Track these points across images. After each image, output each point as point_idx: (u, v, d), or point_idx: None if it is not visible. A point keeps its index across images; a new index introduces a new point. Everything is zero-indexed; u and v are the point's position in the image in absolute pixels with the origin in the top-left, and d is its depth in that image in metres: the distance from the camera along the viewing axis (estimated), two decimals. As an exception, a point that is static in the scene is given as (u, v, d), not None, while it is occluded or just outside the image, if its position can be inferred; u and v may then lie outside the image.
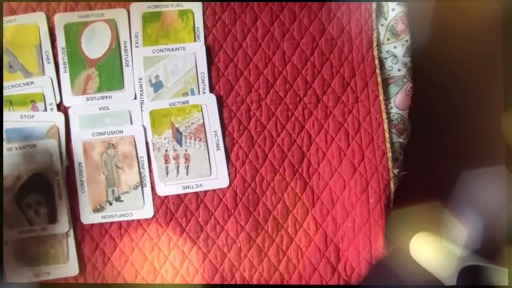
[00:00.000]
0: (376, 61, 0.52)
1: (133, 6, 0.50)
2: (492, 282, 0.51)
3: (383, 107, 0.51)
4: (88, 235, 0.49)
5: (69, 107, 0.49)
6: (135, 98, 0.50)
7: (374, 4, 0.52)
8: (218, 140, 0.50)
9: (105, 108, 0.49)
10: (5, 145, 0.45)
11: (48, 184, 0.46)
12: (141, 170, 0.49)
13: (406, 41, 0.52)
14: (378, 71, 0.52)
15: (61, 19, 0.50)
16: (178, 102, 0.49)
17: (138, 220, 0.49)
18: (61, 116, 0.48)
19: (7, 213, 0.44)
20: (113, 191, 0.49)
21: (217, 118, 0.50)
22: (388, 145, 0.51)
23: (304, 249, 0.51)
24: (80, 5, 0.50)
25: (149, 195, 0.49)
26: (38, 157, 0.42)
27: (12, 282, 0.47)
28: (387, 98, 0.52)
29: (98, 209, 0.49)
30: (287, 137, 0.51)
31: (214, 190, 0.50)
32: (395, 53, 0.52)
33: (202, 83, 0.50)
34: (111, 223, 0.49)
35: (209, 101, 0.50)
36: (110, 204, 0.49)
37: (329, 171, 0.51)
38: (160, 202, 0.49)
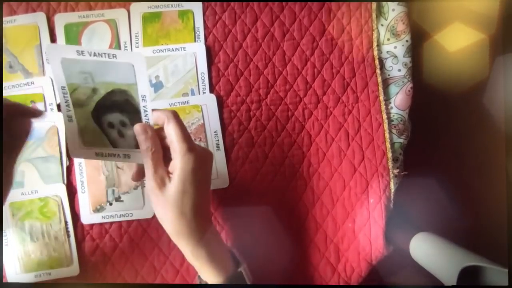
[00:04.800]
0: (376, 61, 0.52)
1: (133, 6, 0.50)
2: (492, 282, 0.51)
3: (383, 107, 0.51)
4: (88, 235, 0.49)
5: (69, 107, 0.49)
6: (135, 98, 0.50)
7: (374, 4, 0.52)
8: (218, 140, 0.50)
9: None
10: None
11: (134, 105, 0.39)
12: (141, 170, 0.49)
13: (406, 41, 0.52)
14: (378, 71, 0.52)
15: (61, 19, 0.50)
16: (178, 102, 0.49)
17: (138, 220, 0.49)
18: (61, 116, 0.48)
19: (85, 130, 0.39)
20: (113, 191, 0.49)
21: (217, 118, 0.50)
22: (388, 145, 0.51)
23: (304, 249, 0.51)
24: (80, 5, 0.50)
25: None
26: (118, 69, 0.37)
27: (12, 282, 0.47)
28: (387, 98, 0.52)
29: (98, 209, 0.49)
30: (287, 137, 0.51)
31: (214, 190, 0.50)
32: (395, 53, 0.52)
33: (202, 83, 0.50)
34: (111, 223, 0.49)
35: (209, 101, 0.50)
36: (110, 204, 0.49)
37: (329, 171, 0.51)
38: (160, 202, 0.49)
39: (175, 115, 0.37)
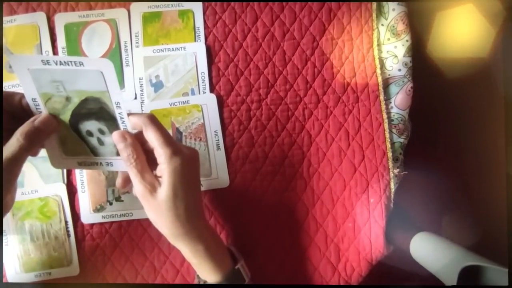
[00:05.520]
0: (377, 61, 0.52)
1: (134, 6, 0.50)
2: (492, 282, 0.51)
3: (383, 107, 0.51)
4: (88, 235, 0.49)
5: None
6: (136, 98, 0.50)
7: (374, 4, 0.52)
8: (218, 140, 0.50)
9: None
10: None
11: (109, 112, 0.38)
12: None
13: (407, 41, 0.52)
14: (378, 71, 0.52)
15: (61, 19, 0.50)
16: (179, 102, 0.49)
17: (138, 220, 0.49)
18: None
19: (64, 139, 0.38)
20: (113, 191, 0.49)
21: (217, 118, 0.50)
22: (388, 145, 0.51)
23: (304, 249, 0.51)
24: (81, 5, 0.50)
25: (149, 195, 0.49)
26: (88, 76, 0.35)
27: (12, 282, 0.47)
28: (387, 98, 0.52)
29: (98, 209, 0.49)
30: (287, 137, 0.51)
31: (214, 190, 0.50)
32: (395, 53, 0.52)
33: (203, 83, 0.50)
34: (111, 223, 0.49)
35: (210, 101, 0.50)
36: (111, 204, 0.49)
37: (329, 171, 0.51)
38: (160, 202, 0.49)
39: (152, 119, 0.36)
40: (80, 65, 0.34)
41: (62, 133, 0.38)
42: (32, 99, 0.36)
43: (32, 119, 0.36)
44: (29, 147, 0.35)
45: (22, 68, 0.34)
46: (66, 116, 0.37)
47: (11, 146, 0.34)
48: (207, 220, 0.41)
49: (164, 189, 0.35)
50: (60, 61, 0.34)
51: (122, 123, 0.37)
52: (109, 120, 0.37)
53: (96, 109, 0.36)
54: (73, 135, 0.38)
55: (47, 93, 0.36)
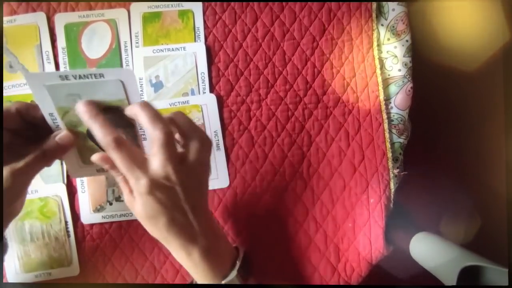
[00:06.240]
0: (377, 61, 0.52)
1: (133, 6, 0.50)
2: (492, 282, 0.51)
3: (383, 107, 0.51)
4: (88, 235, 0.49)
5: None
6: (135, 98, 0.50)
7: (374, 4, 0.52)
8: (218, 140, 0.50)
9: (105, 108, 0.49)
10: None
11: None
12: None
13: (407, 41, 0.52)
14: (378, 71, 0.52)
15: (61, 19, 0.50)
16: (178, 102, 0.49)
17: (138, 220, 0.49)
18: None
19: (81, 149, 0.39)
20: (113, 191, 0.49)
21: (217, 118, 0.50)
22: (388, 145, 0.51)
23: (304, 249, 0.51)
24: (81, 5, 0.50)
25: (149, 195, 0.49)
26: (106, 87, 0.34)
27: (12, 282, 0.47)
28: (387, 98, 0.52)
29: (98, 209, 0.49)
30: (287, 137, 0.51)
31: (214, 190, 0.50)
32: (395, 53, 0.52)
33: (202, 83, 0.50)
34: (111, 223, 0.49)
35: (209, 101, 0.50)
36: (111, 204, 0.49)
37: (329, 171, 0.51)
38: (160, 202, 0.49)
39: (165, 139, 0.34)
40: (100, 77, 0.33)
41: (79, 143, 0.38)
42: (49, 114, 0.36)
43: (53, 135, 0.36)
44: (48, 161, 0.36)
45: (39, 85, 0.33)
46: (83, 128, 0.37)
47: (33, 158, 0.35)
48: (208, 222, 0.40)
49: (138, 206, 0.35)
50: (79, 75, 0.33)
51: (140, 129, 0.37)
52: (127, 127, 0.37)
53: (113, 118, 0.36)
54: (90, 144, 0.38)
55: (64, 107, 0.35)
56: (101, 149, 0.37)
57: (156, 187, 0.34)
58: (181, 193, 0.35)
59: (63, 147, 0.37)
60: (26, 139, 0.36)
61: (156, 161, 0.34)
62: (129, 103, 0.35)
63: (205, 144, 0.37)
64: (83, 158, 0.39)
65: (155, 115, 0.34)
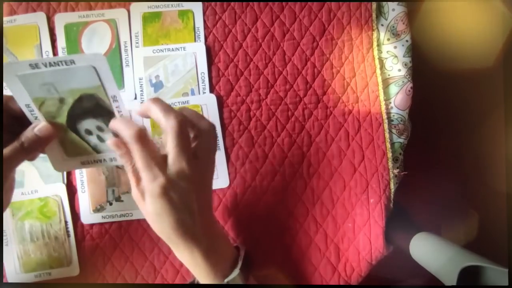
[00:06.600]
0: (377, 61, 0.52)
1: (133, 6, 0.50)
2: (492, 282, 0.51)
3: (383, 107, 0.52)
4: (88, 235, 0.49)
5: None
6: (135, 98, 0.50)
7: (374, 4, 0.52)
8: (218, 140, 0.50)
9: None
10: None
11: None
12: (141, 170, 0.49)
13: (407, 41, 0.53)
14: (378, 71, 0.52)
15: (61, 19, 0.50)
16: (179, 102, 0.49)
17: (138, 220, 0.49)
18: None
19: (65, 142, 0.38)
20: (113, 191, 0.49)
21: (217, 118, 0.50)
22: (388, 145, 0.51)
23: (304, 249, 0.51)
24: (81, 5, 0.50)
25: (149, 195, 0.49)
26: (80, 74, 0.33)
27: (12, 282, 0.47)
28: (387, 98, 0.52)
29: (98, 209, 0.49)
30: (287, 137, 0.51)
31: (214, 190, 0.50)
32: (395, 53, 0.52)
33: (202, 83, 0.50)
34: (111, 223, 0.49)
35: (209, 101, 0.50)
36: (110, 204, 0.49)
37: (329, 171, 0.51)
38: (160, 202, 0.49)
39: (178, 130, 0.34)
40: (71, 63, 0.33)
41: (60, 135, 0.37)
42: (26, 105, 0.35)
43: (32, 126, 0.36)
44: (28, 154, 0.35)
45: (11, 75, 0.33)
46: (62, 118, 0.37)
47: (10, 149, 0.34)
48: (210, 222, 0.40)
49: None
50: (49, 63, 0.33)
51: (120, 116, 0.37)
52: (106, 115, 0.36)
53: (91, 107, 0.36)
54: (72, 135, 0.38)
55: (39, 97, 0.35)
56: (83, 140, 0.37)
57: (170, 187, 0.33)
58: (193, 192, 0.35)
59: (43, 139, 0.36)
60: (10, 132, 0.36)
61: (171, 154, 0.34)
62: (104, 90, 0.35)
63: (212, 130, 0.38)
64: (66, 150, 0.38)
65: (167, 107, 0.34)
